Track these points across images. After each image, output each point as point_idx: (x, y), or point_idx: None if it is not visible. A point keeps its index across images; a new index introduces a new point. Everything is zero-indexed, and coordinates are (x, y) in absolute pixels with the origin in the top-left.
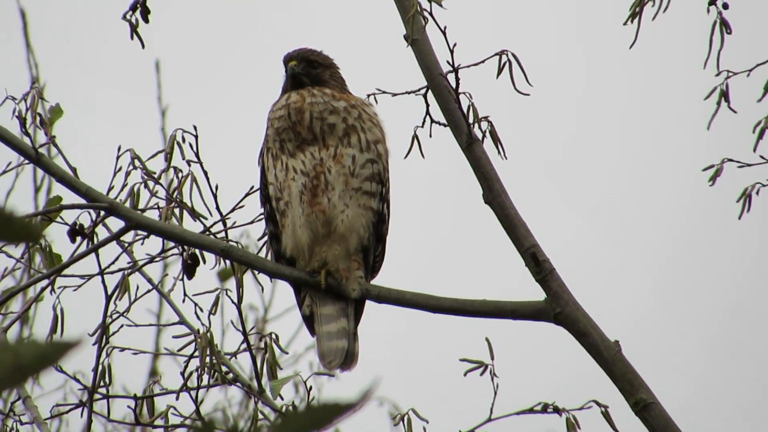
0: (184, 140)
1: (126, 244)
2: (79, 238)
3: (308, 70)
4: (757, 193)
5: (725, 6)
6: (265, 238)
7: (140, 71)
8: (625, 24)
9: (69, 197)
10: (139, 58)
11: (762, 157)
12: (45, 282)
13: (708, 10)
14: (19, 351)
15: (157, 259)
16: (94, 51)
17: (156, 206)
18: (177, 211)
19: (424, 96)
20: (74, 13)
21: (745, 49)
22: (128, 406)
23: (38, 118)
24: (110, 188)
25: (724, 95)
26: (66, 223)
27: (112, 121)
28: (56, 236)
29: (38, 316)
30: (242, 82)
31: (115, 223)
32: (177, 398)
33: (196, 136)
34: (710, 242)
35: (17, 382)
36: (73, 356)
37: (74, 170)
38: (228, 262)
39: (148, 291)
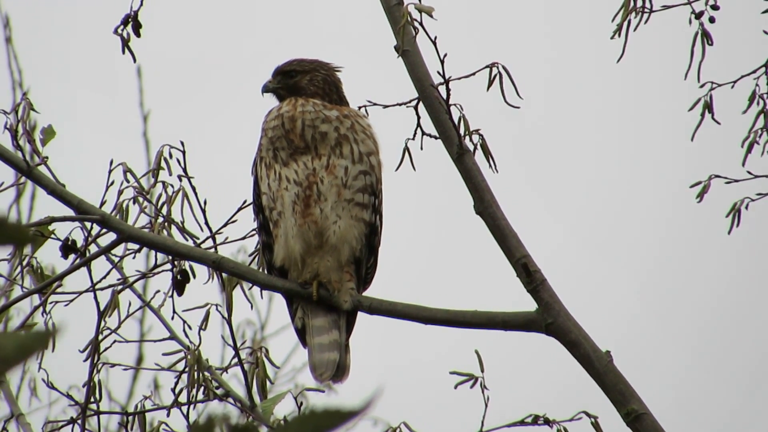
0: (171, 156)
1: (116, 260)
2: (72, 256)
3: (285, 82)
4: (746, 207)
5: (711, 20)
6: (258, 254)
7: (122, 76)
8: (612, 38)
9: (59, 211)
10: (120, 63)
11: (749, 172)
12: (37, 300)
13: (690, 22)
14: (0, 342)
15: (150, 275)
16: (75, 55)
17: (149, 224)
18: (168, 227)
19: (415, 108)
20: (56, 18)
21: (729, 62)
22: (119, 423)
23: (23, 130)
24: (103, 202)
25: (708, 107)
26: (58, 239)
27: (93, 126)
28: (46, 258)
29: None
30: (234, 93)
31: (106, 240)
32: (168, 414)
33: (184, 152)
34: (697, 250)
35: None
36: (52, 346)
37: (63, 186)
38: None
39: (140, 308)
